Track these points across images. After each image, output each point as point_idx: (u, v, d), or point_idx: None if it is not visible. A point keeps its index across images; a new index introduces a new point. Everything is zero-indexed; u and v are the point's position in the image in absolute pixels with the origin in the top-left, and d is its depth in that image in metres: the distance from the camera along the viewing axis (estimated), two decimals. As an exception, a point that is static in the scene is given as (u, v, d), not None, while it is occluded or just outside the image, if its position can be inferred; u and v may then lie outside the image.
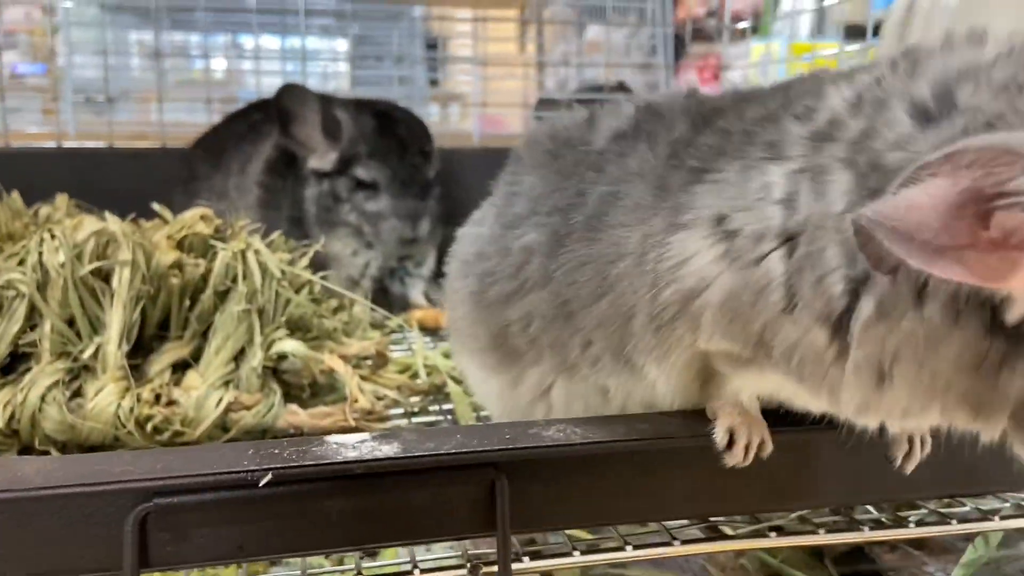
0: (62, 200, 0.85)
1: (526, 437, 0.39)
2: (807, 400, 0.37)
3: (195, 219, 0.69)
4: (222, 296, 0.66)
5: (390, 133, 0.96)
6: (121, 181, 1.15)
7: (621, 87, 1.54)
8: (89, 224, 0.63)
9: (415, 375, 0.74)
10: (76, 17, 1.84)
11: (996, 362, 0.30)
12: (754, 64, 1.68)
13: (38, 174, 1.14)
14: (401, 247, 0.99)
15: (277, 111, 0.94)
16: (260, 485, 0.35)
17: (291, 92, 0.94)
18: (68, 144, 1.24)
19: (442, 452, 0.37)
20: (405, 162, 0.97)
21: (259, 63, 1.53)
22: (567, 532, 0.55)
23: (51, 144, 1.18)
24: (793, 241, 0.33)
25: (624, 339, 0.40)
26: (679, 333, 0.37)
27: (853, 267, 0.31)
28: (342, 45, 2.29)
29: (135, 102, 2.23)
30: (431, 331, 0.94)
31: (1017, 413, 0.31)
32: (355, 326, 0.76)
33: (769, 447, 0.39)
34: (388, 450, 0.37)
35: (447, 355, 0.84)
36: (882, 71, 0.34)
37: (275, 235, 0.70)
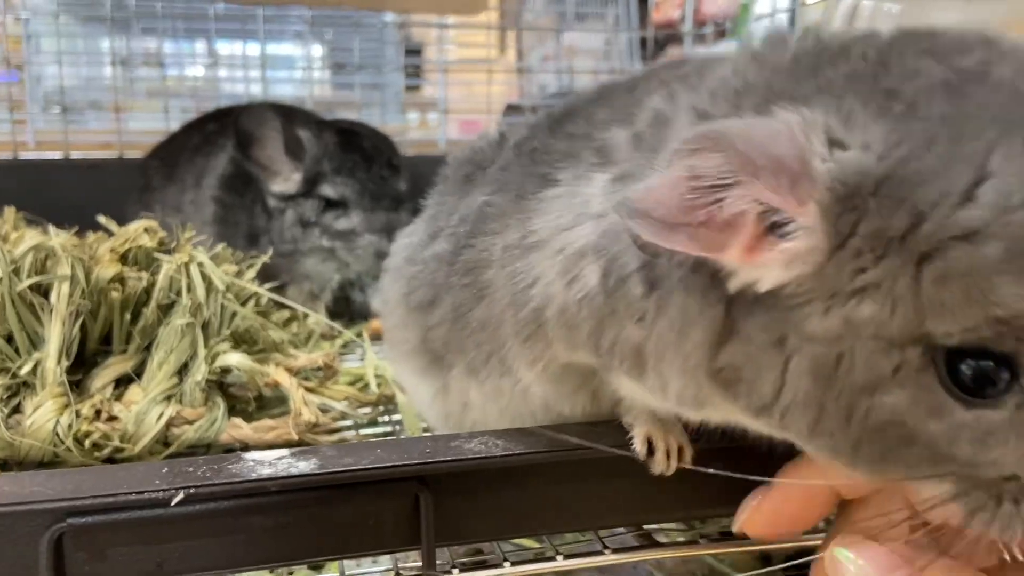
0: (10, 213, 0.84)
1: (447, 450, 0.39)
2: (646, 397, 0.38)
3: (139, 231, 0.69)
4: (166, 309, 0.65)
5: (354, 147, 0.93)
6: (77, 192, 1.14)
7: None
8: (29, 238, 0.63)
9: (366, 386, 0.74)
10: (45, 25, 1.82)
11: (727, 335, 0.31)
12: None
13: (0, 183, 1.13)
14: (379, 261, 0.97)
15: (236, 134, 0.91)
16: (172, 504, 0.35)
17: (250, 114, 0.90)
18: (26, 154, 1.23)
19: (360, 467, 0.37)
20: (373, 174, 0.94)
21: (222, 70, 1.52)
22: (517, 541, 0.56)
23: (7, 155, 1.17)
24: (604, 251, 0.34)
25: (500, 344, 0.42)
26: (540, 346, 0.39)
27: (649, 269, 0.33)
28: (319, 51, 2.29)
29: (107, 110, 2.21)
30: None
31: (718, 373, 0.32)
32: (305, 337, 0.75)
33: (689, 452, 0.40)
34: (304, 467, 0.37)
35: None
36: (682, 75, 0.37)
37: (219, 247, 0.70)
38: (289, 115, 0.97)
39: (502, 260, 0.40)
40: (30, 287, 0.60)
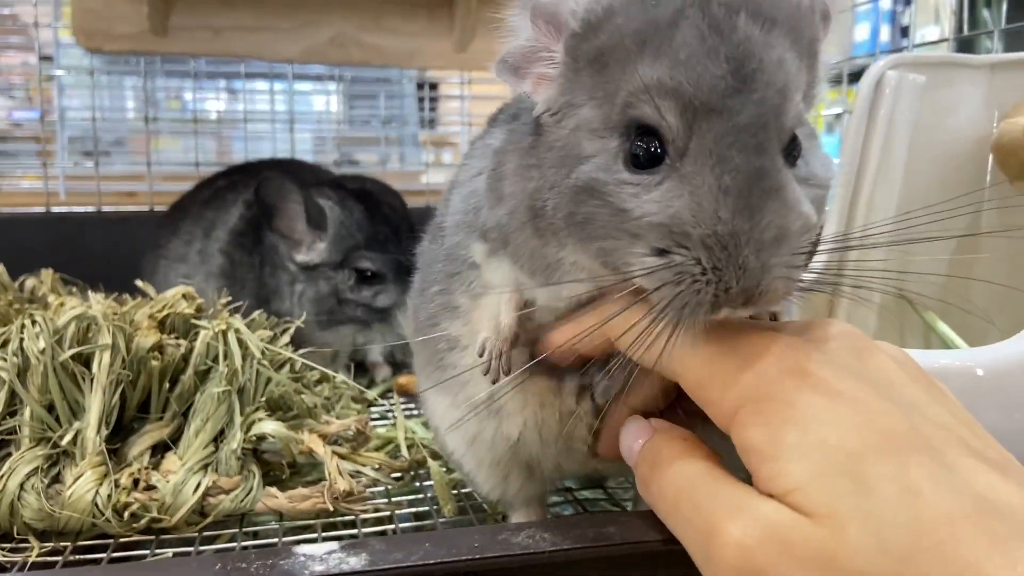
0: (47, 275, 0.86)
1: (494, 545, 0.39)
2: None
3: (177, 298, 0.70)
4: (202, 376, 0.66)
5: (379, 217, 0.92)
6: (109, 245, 1.16)
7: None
8: (71, 307, 0.64)
9: (397, 448, 0.74)
10: (72, 76, 1.86)
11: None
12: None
13: (27, 238, 1.15)
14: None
15: (259, 206, 0.90)
16: (227, 603, 0.35)
17: (270, 185, 0.89)
18: (58, 203, 1.26)
19: (409, 564, 0.37)
20: (403, 247, 0.92)
21: (249, 106, 1.54)
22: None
23: (40, 208, 1.19)
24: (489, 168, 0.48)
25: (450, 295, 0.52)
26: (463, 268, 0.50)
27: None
28: (337, 93, 2.34)
29: (130, 152, 2.27)
30: (412, 396, 0.95)
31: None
32: (336, 399, 0.76)
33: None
34: (355, 563, 0.37)
35: (428, 424, 0.84)
36: None
37: (256, 314, 0.71)
38: (307, 182, 0.96)
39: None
40: (72, 357, 0.61)
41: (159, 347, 0.64)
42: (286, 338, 0.72)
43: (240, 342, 0.67)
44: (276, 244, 0.92)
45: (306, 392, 0.71)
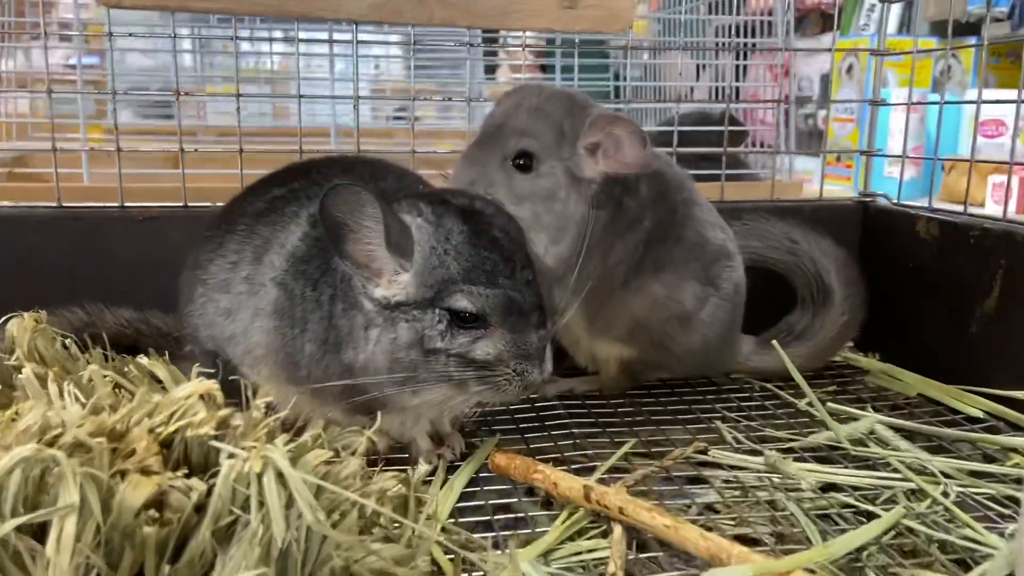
0: (29, 321, 0.63)
1: None
2: None
3: (193, 402, 0.46)
4: (223, 533, 0.43)
5: (486, 238, 0.66)
6: (132, 246, 0.94)
7: (733, 120, 1.27)
8: (20, 441, 0.40)
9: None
10: (122, 26, 1.68)
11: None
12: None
13: (41, 237, 0.94)
14: (525, 394, 0.68)
15: (325, 223, 0.63)
16: None
17: (339, 195, 0.63)
18: (81, 191, 1.04)
19: None
20: (517, 279, 0.66)
21: (309, 58, 1.29)
22: None
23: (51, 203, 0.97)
24: None
25: None
26: None
27: None
28: (395, 35, 2.17)
29: (185, 102, 2.11)
30: (513, 483, 0.71)
31: None
32: (415, 548, 0.51)
33: None
34: None
35: (549, 553, 0.60)
36: None
37: (308, 435, 0.47)
38: (389, 192, 0.69)
39: None
40: (17, 528, 0.38)
41: (157, 502, 0.41)
42: (355, 464, 0.47)
43: (279, 476, 0.43)
44: (349, 275, 0.66)
45: (376, 557, 0.47)
